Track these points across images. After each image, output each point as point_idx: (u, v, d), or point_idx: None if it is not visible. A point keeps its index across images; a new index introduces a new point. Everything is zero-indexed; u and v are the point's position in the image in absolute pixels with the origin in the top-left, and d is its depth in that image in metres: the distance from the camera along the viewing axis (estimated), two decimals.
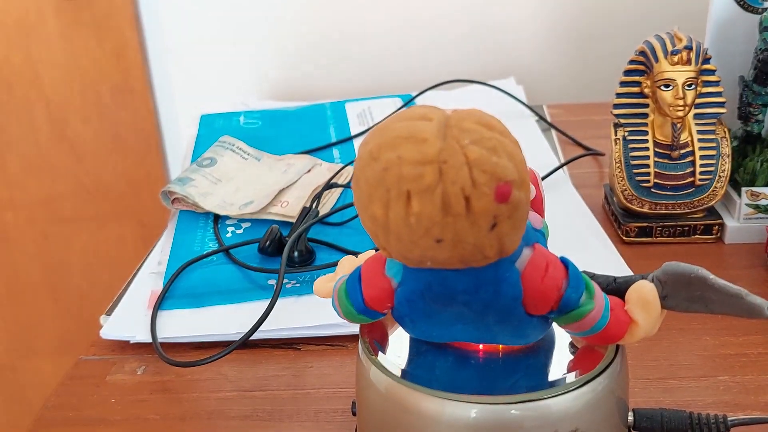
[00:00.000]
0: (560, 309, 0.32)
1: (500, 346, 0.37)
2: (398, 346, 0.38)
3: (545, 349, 0.37)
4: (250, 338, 0.55)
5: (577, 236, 0.68)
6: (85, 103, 1.26)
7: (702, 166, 0.66)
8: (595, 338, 0.34)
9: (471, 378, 0.36)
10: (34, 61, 1.24)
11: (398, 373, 0.36)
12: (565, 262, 0.33)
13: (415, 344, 0.38)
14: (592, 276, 0.36)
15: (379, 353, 0.37)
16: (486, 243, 0.28)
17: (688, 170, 0.66)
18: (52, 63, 1.24)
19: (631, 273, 0.61)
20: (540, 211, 0.41)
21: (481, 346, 0.37)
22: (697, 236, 0.68)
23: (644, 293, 0.34)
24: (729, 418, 0.41)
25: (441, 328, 0.35)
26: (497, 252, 0.29)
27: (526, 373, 0.36)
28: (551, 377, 0.35)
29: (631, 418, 0.41)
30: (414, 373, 0.36)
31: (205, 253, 0.66)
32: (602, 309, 0.33)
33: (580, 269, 0.37)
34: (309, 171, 0.78)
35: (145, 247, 0.71)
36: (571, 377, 0.35)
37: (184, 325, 0.58)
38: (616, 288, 0.36)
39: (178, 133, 1.28)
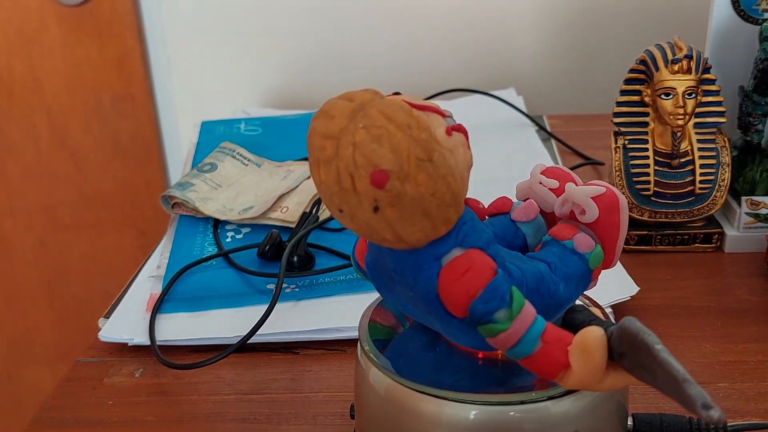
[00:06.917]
0: (470, 318, 0.31)
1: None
2: (397, 348, 0.38)
3: None
4: (249, 342, 0.55)
5: None
6: (85, 110, 1.27)
7: (702, 175, 0.66)
8: (527, 366, 0.32)
9: (470, 379, 0.36)
10: (35, 68, 1.24)
11: (397, 375, 0.36)
12: (497, 275, 0.31)
13: (414, 346, 0.38)
14: (581, 309, 0.35)
15: (379, 354, 0.37)
16: (376, 225, 0.30)
17: (688, 179, 0.66)
18: (53, 70, 1.24)
19: (631, 281, 0.61)
20: (605, 236, 0.36)
21: None
22: (696, 245, 0.68)
23: (586, 339, 0.30)
24: (728, 425, 0.41)
25: (399, 303, 0.36)
26: (395, 238, 0.30)
27: (525, 374, 0.36)
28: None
29: (630, 422, 0.41)
30: (413, 375, 0.36)
31: (204, 257, 0.66)
32: (522, 335, 0.31)
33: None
34: (309, 177, 0.78)
35: (143, 256, 0.71)
36: None
37: (182, 328, 0.57)
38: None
39: (178, 142, 1.29)
